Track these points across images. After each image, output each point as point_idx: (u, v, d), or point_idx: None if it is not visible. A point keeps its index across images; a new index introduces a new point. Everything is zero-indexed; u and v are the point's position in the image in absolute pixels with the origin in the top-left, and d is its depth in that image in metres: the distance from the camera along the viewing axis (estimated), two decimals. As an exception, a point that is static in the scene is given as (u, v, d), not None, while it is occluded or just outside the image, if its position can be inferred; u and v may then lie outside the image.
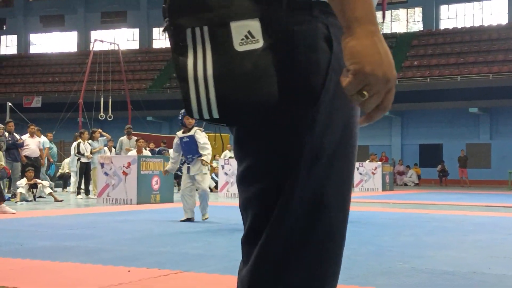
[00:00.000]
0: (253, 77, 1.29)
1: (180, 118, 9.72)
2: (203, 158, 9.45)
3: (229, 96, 1.29)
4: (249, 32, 1.29)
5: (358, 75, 1.25)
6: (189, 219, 9.57)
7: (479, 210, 13.33)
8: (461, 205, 14.77)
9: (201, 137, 9.58)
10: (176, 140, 9.83)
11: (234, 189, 17.45)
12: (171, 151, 21.72)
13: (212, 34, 1.30)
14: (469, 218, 11.00)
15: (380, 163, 23.48)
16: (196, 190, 9.69)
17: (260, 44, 1.29)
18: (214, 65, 1.30)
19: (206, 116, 1.32)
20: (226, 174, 18.32)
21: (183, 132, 9.69)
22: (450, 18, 40.56)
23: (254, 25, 1.29)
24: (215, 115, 1.31)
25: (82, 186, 16.47)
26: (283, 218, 1.37)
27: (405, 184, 31.21)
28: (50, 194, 14.67)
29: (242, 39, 1.29)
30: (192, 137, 9.56)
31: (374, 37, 1.27)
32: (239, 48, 1.29)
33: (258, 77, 1.29)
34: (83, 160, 16.23)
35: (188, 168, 9.63)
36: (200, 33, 1.30)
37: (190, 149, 9.56)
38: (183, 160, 9.84)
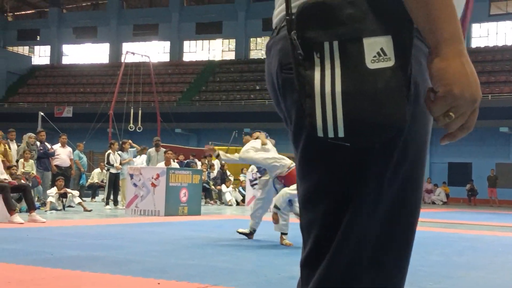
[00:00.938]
0: (384, 97, 1.22)
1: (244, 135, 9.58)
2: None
3: (358, 115, 1.22)
4: (382, 50, 1.23)
5: (446, 97, 1.23)
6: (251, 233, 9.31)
7: (510, 231, 13.15)
8: (491, 225, 14.58)
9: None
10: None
11: (261, 203, 17.38)
12: (198, 163, 21.98)
13: (342, 49, 1.23)
14: (499, 239, 10.87)
15: (408, 180, 23.29)
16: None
17: (391, 62, 1.23)
18: (343, 82, 1.23)
19: (331, 134, 1.25)
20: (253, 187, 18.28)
21: None
22: (482, 36, 40.24)
23: (387, 42, 1.23)
24: (341, 133, 1.24)
25: (111, 196, 16.62)
26: (349, 240, 1.31)
27: (433, 203, 30.90)
28: (79, 203, 14.80)
29: (375, 56, 1.22)
30: None
31: (462, 57, 1.25)
32: (371, 66, 1.22)
33: (390, 98, 1.22)
34: (112, 170, 16.38)
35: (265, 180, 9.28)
36: (329, 48, 1.24)
37: None
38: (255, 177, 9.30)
